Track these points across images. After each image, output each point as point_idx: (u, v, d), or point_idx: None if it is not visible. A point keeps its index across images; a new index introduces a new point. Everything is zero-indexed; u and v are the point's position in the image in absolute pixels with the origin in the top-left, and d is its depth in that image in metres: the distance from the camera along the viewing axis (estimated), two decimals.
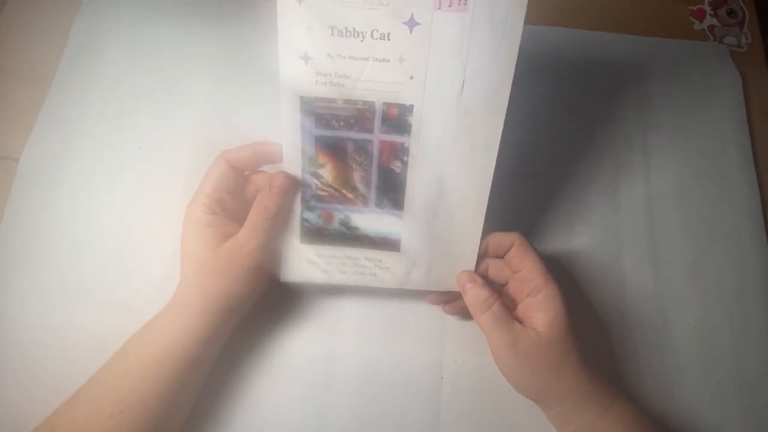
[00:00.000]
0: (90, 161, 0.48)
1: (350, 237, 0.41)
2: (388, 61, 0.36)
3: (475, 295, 0.39)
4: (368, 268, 0.41)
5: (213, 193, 0.39)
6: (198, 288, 0.38)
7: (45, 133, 0.48)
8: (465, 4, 0.34)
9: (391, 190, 0.40)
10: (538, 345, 0.37)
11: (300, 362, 0.43)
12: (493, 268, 0.42)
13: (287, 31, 0.35)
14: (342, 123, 0.38)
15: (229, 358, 0.42)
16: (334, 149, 0.39)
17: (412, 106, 0.37)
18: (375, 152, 0.39)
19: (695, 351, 0.45)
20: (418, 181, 0.39)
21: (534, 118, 0.51)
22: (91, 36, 0.52)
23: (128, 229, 0.46)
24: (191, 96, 0.51)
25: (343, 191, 0.40)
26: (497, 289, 0.41)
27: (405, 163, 0.39)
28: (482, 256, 0.41)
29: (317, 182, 0.40)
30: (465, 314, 0.42)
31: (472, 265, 0.41)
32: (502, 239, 0.41)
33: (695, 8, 0.59)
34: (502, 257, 0.42)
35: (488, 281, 0.41)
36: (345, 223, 0.41)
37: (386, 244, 0.41)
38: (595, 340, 0.45)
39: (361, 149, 0.39)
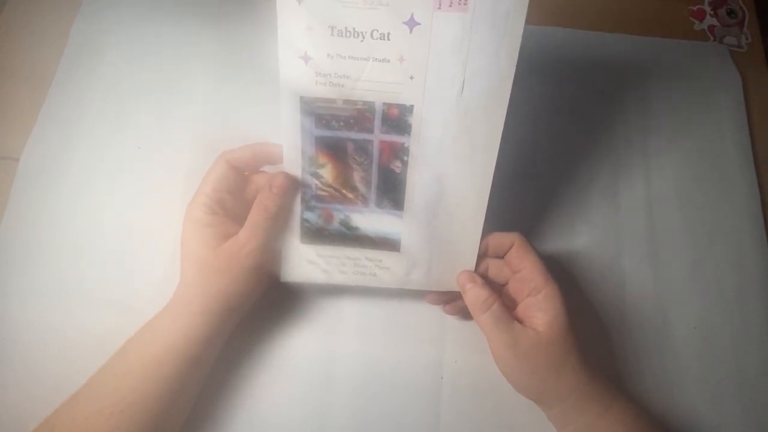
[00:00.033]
0: (90, 161, 0.48)
1: (350, 237, 0.41)
2: (388, 61, 0.36)
3: (474, 295, 0.39)
4: (368, 268, 0.41)
5: (213, 193, 0.39)
6: (198, 288, 0.38)
7: (45, 133, 0.48)
8: (465, 4, 0.34)
9: (391, 190, 0.40)
10: (538, 345, 0.37)
11: (300, 362, 0.43)
12: (493, 268, 0.42)
13: (287, 31, 0.35)
14: (342, 123, 0.38)
15: (229, 358, 0.42)
16: (334, 149, 0.39)
17: (412, 106, 0.37)
18: (375, 152, 0.39)
19: (695, 351, 0.45)
20: (418, 181, 0.39)
21: (534, 118, 0.51)
22: (91, 36, 0.52)
23: (128, 229, 0.46)
24: (191, 96, 0.51)
25: (343, 191, 0.40)
26: (497, 289, 0.41)
27: (405, 163, 0.39)
28: (482, 256, 0.41)
29: (317, 182, 0.40)
30: (465, 314, 0.42)
31: (472, 265, 0.41)
32: (502, 239, 0.41)
33: (695, 8, 0.59)
34: (502, 257, 0.42)
35: (488, 281, 0.41)
36: (345, 223, 0.41)
37: (386, 244, 0.41)
38: (595, 340, 0.45)
39: (361, 149, 0.39)
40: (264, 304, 0.42)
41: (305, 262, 0.42)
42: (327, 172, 0.39)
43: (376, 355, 0.44)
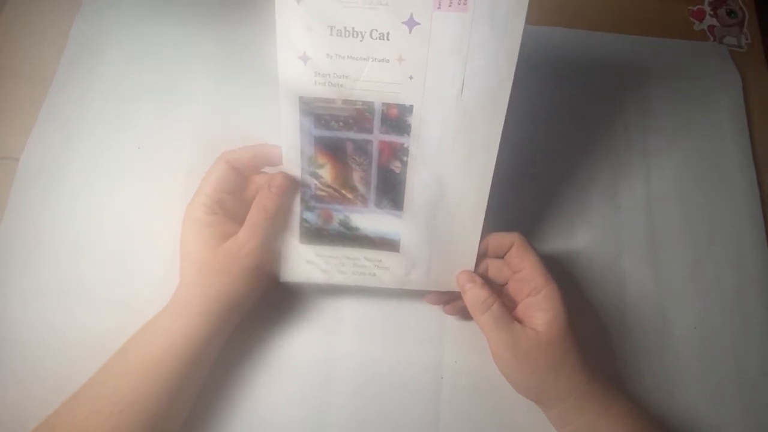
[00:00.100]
0: (90, 161, 0.48)
1: (350, 237, 0.41)
2: (388, 61, 0.36)
3: (474, 295, 0.39)
4: (368, 268, 0.41)
5: (213, 193, 0.39)
6: (197, 288, 0.38)
7: (45, 133, 0.48)
8: (465, 4, 0.34)
9: (390, 191, 0.40)
10: (537, 345, 0.37)
11: (299, 362, 0.43)
12: (493, 268, 0.42)
13: (286, 31, 0.35)
14: (341, 123, 0.38)
15: (228, 358, 0.42)
16: (334, 149, 0.39)
17: (411, 106, 0.37)
18: (374, 152, 0.39)
19: (695, 351, 0.45)
20: (417, 182, 0.39)
21: (534, 118, 0.51)
22: (91, 36, 0.52)
23: (128, 229, 0.46)
24: (191, 96, 0.51)
25: (343, 191, 0.40)
26: (497, 289, 0.41)
27: (404, 164, 0.39)
28: (482, 256, 0.41)
29: (316, 182, 0.40)
30: (465, 314, 0.42)
31: (471, 265, 0.41)
32: (502, 239, 0.41)
33: (695, 8, 0.59)
34: (502, 257, 0.42)
35: (488, 281, 0.41)
36: (344, 224, 0.41)
37: (386, 244, 0.41)
38: (595, 340, 0.45)
39: (361, 149, 0.39)
40: (263, 304, 0.42)
41: (304, 262, 0.42)
42: (326, 173, 0.39)
43: (376, 355, 0.44)
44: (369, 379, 0.43)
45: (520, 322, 0.39)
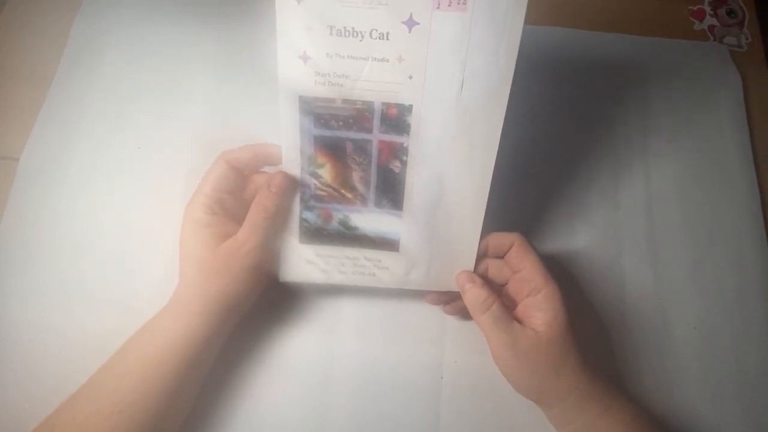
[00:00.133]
0: (90, 161, 0.48)
1: (349, 237, 0.41)
2: (387, 60, 0.36)
3: (474, 295, 0.39)
4: (367, 267, 0.41)
5: (213, 193, 0.39)
6: (197, 288, 0.38)
7: (45, 133, 0.48)
8: (464, 4, 0.34)
9: (390, 190, 0.40)
10: (537, 345, 0.37)
11: (299, 362, 0.43)
12: (493, 268, 0.42)
13: (286, 30, 0.35)
14: (341, 123, 0.38)
15: (228, 358, 0.42)
16: (333, 149, 0.39)
17: (411, 105, 0.37)
18: (374, 152, 0.39)
19: (695, 351, 0.45)
20: (417, 181, 0.39)
21: (534, 117, 0.51)
22: (91, 36, 0.52)
23: (128, 229, 0.46)
24: (191, 96, 0.51)
25: (342, 191, 0.40)
26: (497, 289, 0.41)
27: (404, 163, 0.39)
28: (482, 256, 0.41)
29: (316, 182, 0.40)
30: (465, 314, 0.42)
31: (471, 265, 0.41)
32: (502, 239, 0.41)
33: (695, 8, 0.59)
34: (502, 257, 0.42)
35: (488, 281, 0.41)
36: (344, 223, 0.41)
37: (385, 243, 0.41)
38: (595, 340, 0.45)
39: (360, 149, 0.39)
40: (263, 304, 0.42)
41: (304, 261, 0.41)
42: (326, 172, 0.39)
43: (376, 355, 0.44)
44: (369, 380, 0.43)
45: (520, 322, 0.39)
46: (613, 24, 0.57)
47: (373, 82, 0.36)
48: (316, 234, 0.41)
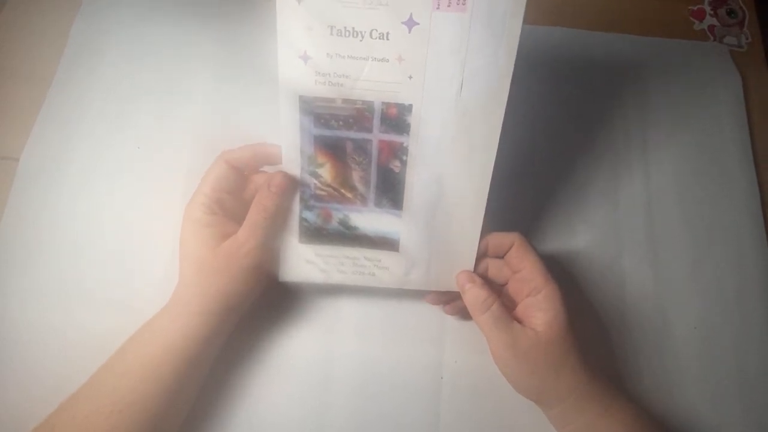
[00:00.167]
0: (90, 161, 0.48)
1: (349, 236, 0.41)
2: (387, 60, 0.36)
3: (474, 295, 0.39)
4: (367, 267, 0.41)
5: (212, 193, 0.39)
6: (197, 288, 0.38)
7: (45, 133, 0.48)
8: (464, 4, 0.34)
9: (389, 190, 0.40)
10: (537, 345, 0.37)
11: (299, 362, 0.43)
12: (493, 268, 0.42)
13: (287, 30, 0.35)
14: (341, 122, 0.38)
15: (227, 358, 0.42)
16: (333, 149, 0.39)
17: (410, 105, 0.37)
18: (374, 152, 0.39)
19: (695, 351, 0.45)
20: (416, 181, 0.39)
21: (533, 117, 0.51)
22: (91, 36, 0.52)
23: (128, 229, 0.46)
24: (191, 96, 0.51)
25: (342, 191, 0.40)
26: (497, 289, 0.41)
27: (404, 163, 0.39)
28: (482, 256, 0.41)
29: (316, 182, 0.40)
30: (465, 314, 0.42)
31: (471, 265, 0.41)
32: (502, 239, 0.41)
33: (695, 8, 0.59)
34: (502, 257, 0.42)
35: (488, 281, 0.41)
36: (344, 223, 0.41)
37: (385, 243, 0.41)
38: (595, 340, 0.45)
39: (360, 149, 0.39)
40: (263, 304, 0.42)
41: (304, 261, 0.42)
42: (326, 172, 0.39)
43: (376, 355, 0.44)
44: (369, 379, 0.43)
45: (520, 322, 0.39)
46: (613, 24, 0.57)
47: (373, 81, 0.36)
48: (316, 234, 0.41)
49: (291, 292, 0.45)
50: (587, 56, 0.55)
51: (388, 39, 0.35)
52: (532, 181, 0.50)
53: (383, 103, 0.37)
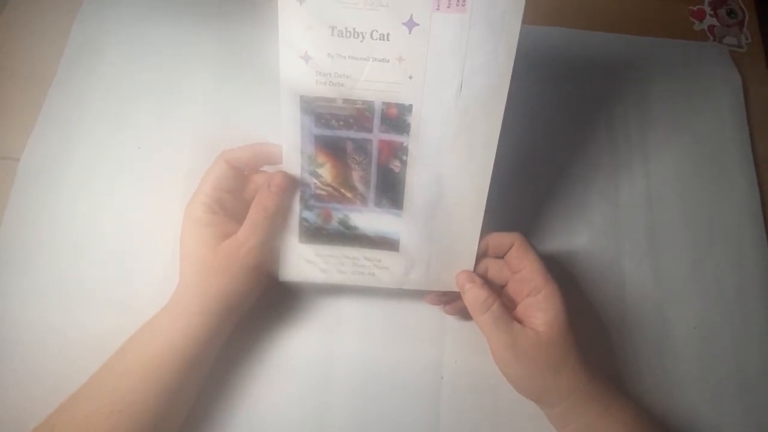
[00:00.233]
0: (90, 161, 0.48)
1: (349, 236, 0.41)
2: (388, 61, 0.36)
3: (474, 295, 0.39)
4: (367, 267, 0.41)
5: (212, 192, 0.39)
6: (197, 288, 0.38)
7: (45, 133, 0.48)
8: (463, 5, 0.34)
9: (390, 190, 0.40)
10: (537, 345, 0.37)
11: (299, 362, 0.43)
12: (493, 268, 0.42)
13: (288, 30, 0.35)
14: (341, 122, 0.38)
15: (228, 357, 0.42)
16: (334, 148, 0.39)
17: (411, 105, 0.37)
18: (374, 152, 0.39)
19: (695, 351, 0.45)
20: (417, 181, 0.39)
21: (533, 117, 0.51)
22: (91, 36, 0.52)
23: (128, 229, 0.46)
24: (191, 96, 0.51)
25: (342, 190, 0.40)
26: (497, 290, 0.41)
27: (404, 163, 0.39)
28: (482, 256, 0.41)
29: (316, 181, 0.40)
30: (465, 314, 0.42)
31: (471, 265, 0.41)
32: (502, 239, 0.41)
33: (695, 8, 0.59)
34: (502, 257, 0.42)
35: (488, 281, 0.41)
36: (344, 223, 0.41)
37: (385, 243, 0.41)
38: (595, 340, 0.45)
39: (361, 149, 0.39)
40: (263, 304, 0.42)
41: (304, 261, 0.42)
42: (326, 171, 0.39)
43: (376, 355, 0.44)
44: (369, 379, 0.43)
45: (520, 322, 0.39)
46: (613, 24, 0.57)
47: (373, 82, 0.36)
48: (316, 233, 0.41)
49: (291, 292, 0.45)
50: (587, 56, 0.55)
51: (388, 40, 0.35)
52: (532, 181, 0.50)
53: (383, 103, 0.37)
